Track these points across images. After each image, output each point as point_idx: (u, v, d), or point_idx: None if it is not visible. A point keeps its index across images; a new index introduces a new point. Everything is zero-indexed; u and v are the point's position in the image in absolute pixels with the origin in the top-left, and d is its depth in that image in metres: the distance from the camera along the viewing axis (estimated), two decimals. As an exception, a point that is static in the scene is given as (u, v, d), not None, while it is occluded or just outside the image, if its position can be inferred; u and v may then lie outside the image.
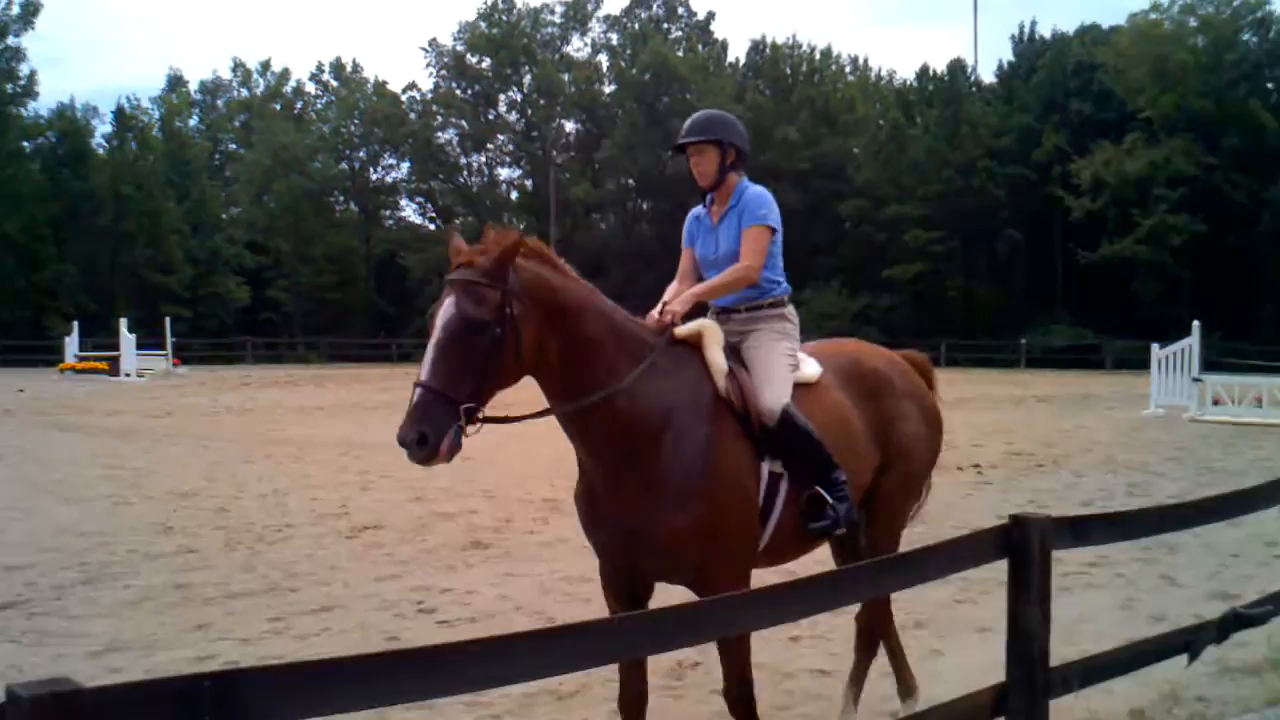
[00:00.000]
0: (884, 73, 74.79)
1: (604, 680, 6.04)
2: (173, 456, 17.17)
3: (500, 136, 73.37)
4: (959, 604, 7.88)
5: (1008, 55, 64.19)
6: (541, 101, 72.87)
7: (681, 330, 4.80)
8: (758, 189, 5.06)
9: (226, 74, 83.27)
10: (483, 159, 74.79)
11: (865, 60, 76.84)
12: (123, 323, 41.29)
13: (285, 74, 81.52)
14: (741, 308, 5.07)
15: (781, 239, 5.13)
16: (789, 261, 5.29)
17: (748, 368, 4.82)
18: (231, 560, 9.68)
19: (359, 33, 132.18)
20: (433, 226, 73.51)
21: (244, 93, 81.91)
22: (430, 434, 3.93)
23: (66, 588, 8.60)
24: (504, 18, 72.97)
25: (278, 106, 78.40)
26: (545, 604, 8.06)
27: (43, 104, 66.31)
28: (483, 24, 72.66)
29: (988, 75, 65.62)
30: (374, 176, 75.31)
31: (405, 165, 74.74)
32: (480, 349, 4.06)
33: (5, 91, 62.07)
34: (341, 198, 74.43)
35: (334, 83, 78.42)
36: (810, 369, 5.06)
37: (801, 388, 4.90)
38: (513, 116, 74.09)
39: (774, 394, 4.66)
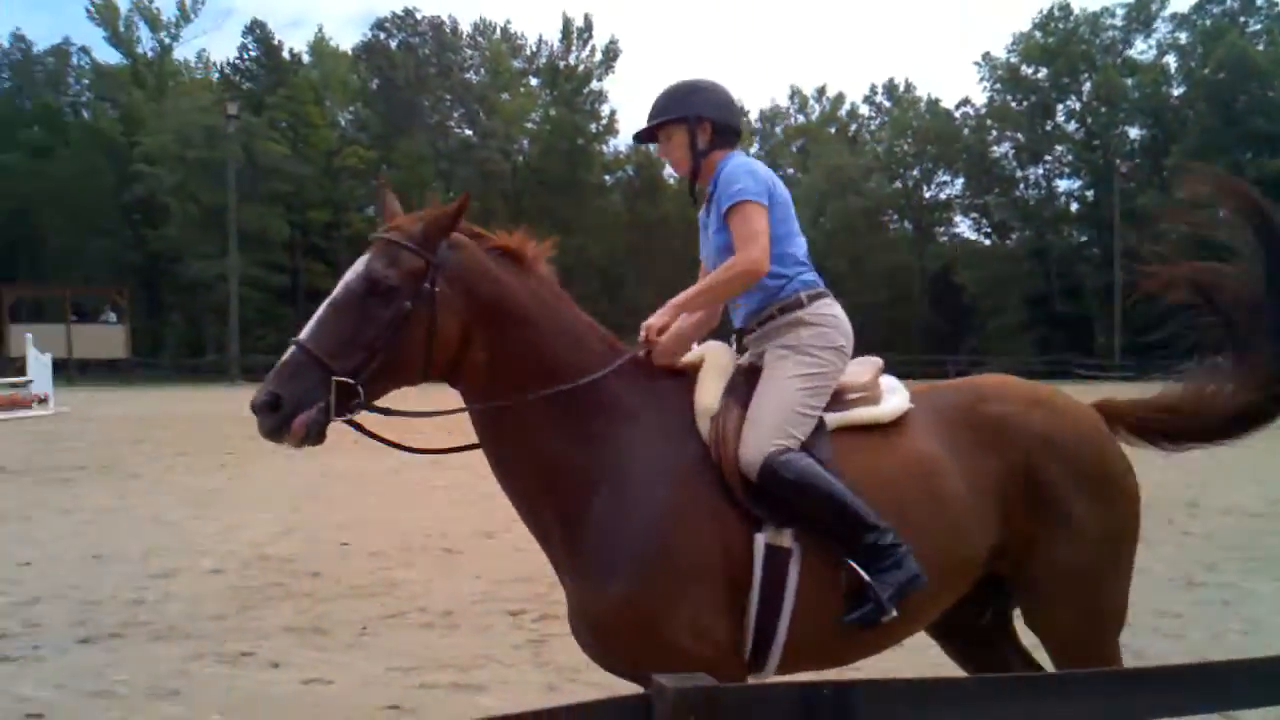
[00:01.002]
0: None
1: None
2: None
3: (1058, 147, 70.99)
4: None
5: None
6: (1103, 109, 69.74)
7: (686, 358, 3.82)
8: (735, 161, 3.90)
9: (784, 101, 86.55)
10: (1040, 171, 72.67)
11: None
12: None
13: (840, 98, 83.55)
14: (753, 324, 3.93)
15: (790, 215, 3.96)
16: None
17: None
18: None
19: (911, 53, 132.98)
20: (988, 242, 72.59)
21: (800, 119, 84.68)
22: (286, 399, 3.22)
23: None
24: (1060, 25, 70.61)
25: (833, 130, 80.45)
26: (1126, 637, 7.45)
27: (621, 140, 72.49)
28: (1038, 33, 70.75)
29: None
30: (927, 194, 75.50)
31: (959, 181, 74.34)
32: (380, 320, 3.34)
33: (589, 131, 68.36)
34: (895, 216, 75.17)
35: (887, 103, 79.44)
36: (890, 404, 3.84)
37: (861, 431, 3.76)
38: (1071, 126, 71.40)
39: (757, 440, 3.51)
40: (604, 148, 71.77)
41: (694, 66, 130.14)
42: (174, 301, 65.53)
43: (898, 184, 74.96)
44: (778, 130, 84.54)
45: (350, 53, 72.28)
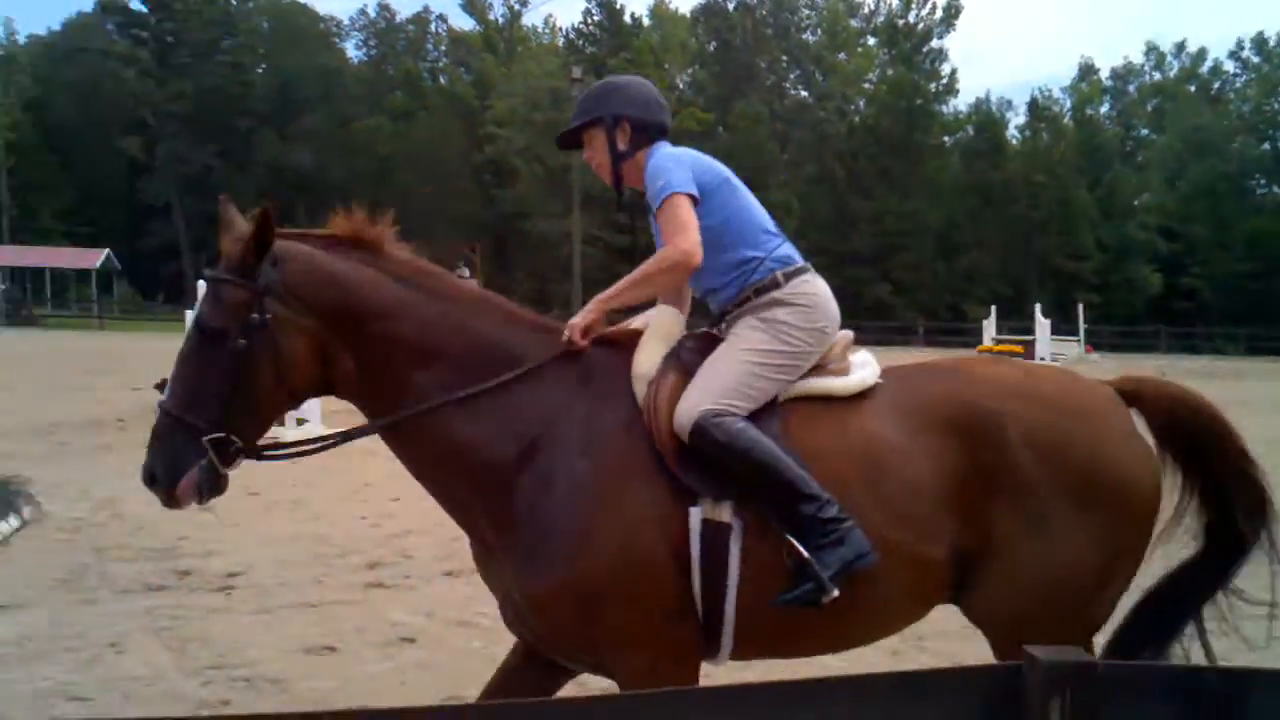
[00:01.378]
0: None
1: None
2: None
3: None
4: None
5: None
6: None
7: (634, 323, 3.72)
8: (657, 156, 3.67)
9: (1138, 59, 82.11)
10: None
11: None
12: (1037, 308, 42.20)
13: (1201, 54, 78.60)
14: (730, 306, 3.67)
15: (737, 196, 3.68)
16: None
17: None
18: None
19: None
20: (1372, 208, 66.58)
21: (1156, 76, 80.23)
22: (160, 472, 3.19)
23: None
24: None
25: (1192, 88, 75.77)
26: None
27: (961, 100, 70.77)
28: None
29: None
30: (1302, 156, 69.90)
31: (1337, 142, 68.42)
32: (220, 365, 3.20)
33: (929, 91, 66.90)
34: (1262, 180, 69.91)
35: (1255, 59, 73.98)
36: (856, 377, 3.56)
37: (813, 402, 3.49)
38: None
39: (695, 399, 3.29)
40: (943, 108, 70.02)
41: (1038, 23, 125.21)
42: (521, 259, 68.41)
43: (1265, 146, 69.56)
44: (1131, 89, 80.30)
45: (689, 15, 73.29)
